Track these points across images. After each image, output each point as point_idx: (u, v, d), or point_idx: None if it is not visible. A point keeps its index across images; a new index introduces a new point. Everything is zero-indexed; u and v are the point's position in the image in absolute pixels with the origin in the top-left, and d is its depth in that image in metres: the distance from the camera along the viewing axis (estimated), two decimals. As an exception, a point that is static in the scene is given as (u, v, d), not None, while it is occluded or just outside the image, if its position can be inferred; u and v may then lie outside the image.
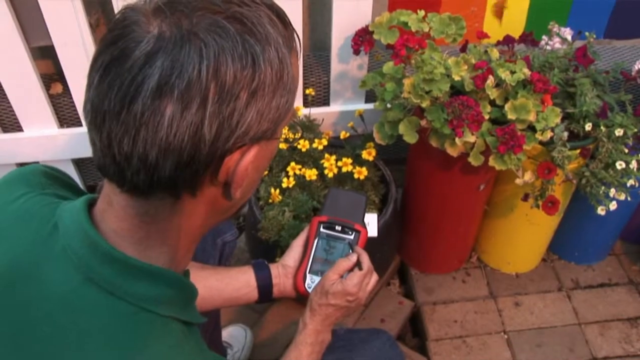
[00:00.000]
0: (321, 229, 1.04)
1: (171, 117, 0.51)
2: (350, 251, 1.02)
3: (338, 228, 1.04)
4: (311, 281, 1.01)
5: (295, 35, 0.60)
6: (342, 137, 1.51)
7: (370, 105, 1.61)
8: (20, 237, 0.63)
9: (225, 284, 1.02)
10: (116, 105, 0.52)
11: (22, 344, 0.58)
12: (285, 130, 1.44)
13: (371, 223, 1.20)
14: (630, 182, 1.34)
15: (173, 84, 0.51)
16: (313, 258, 1.03)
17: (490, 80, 1.21)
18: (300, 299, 1.04)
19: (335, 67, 1.57)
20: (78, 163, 1.73)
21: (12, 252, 0.62)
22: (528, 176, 1.30)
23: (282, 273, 1.04)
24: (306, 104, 1.62)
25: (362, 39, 1.41)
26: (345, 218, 1.04)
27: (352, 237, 1.03)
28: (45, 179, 0.71)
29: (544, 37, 1.44)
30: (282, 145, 1.44)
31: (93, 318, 0.57)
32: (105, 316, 0.57)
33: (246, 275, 1.03)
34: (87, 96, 0.55)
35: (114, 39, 0.53)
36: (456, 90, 1.28)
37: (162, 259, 0.62)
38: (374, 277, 0.99)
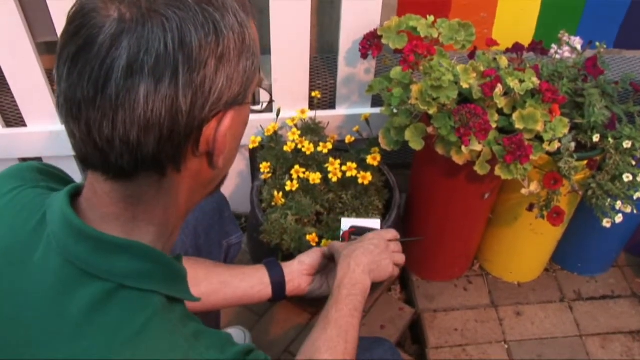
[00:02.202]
0: (352, 238, 1.17)
1: (146, 94, 0.52)
2: None
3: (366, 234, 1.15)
4: None
5: (247, 1, 0.61)
6: (347, 141, 1.50)
7: (376, 110, 1.60)
8: (11, 227, 0.64)
9: (239, 280, 1.03)
10: (90, 91, 0.53)
11: (8, 331, 0.59)
12: (292, 135, 1.43)
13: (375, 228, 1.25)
14: (637, 195, 1.33)
15: (142, 60, 0.52)
16: None
17: (499, 88, 1.20)
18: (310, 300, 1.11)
19: (343, 70, 1.56)
20: (81, 159, 1.72)
21: (3, 242, 0.64)
22: (534, 186, 1.29)
23: (296, 270, 1.07)
24: (312, 106, 1.61)
25: (370, 43, 1.40)
26: (368, 226, 1.21)
27: None
28: (39, 174, 0.72)
29: (553, 45, 1.43)
30: (286, 148, 1.43)
31: (70, 299, 0.58)
32: (82, 296, 0.58)
33: (260, 273, 1.05)
34: (58, 90, 0.57)
35: (75, 30, 0.54)
36: (464, 97, 1.27)
37: (148, 238, 0.62)
38: (402, 255, 1.14)
